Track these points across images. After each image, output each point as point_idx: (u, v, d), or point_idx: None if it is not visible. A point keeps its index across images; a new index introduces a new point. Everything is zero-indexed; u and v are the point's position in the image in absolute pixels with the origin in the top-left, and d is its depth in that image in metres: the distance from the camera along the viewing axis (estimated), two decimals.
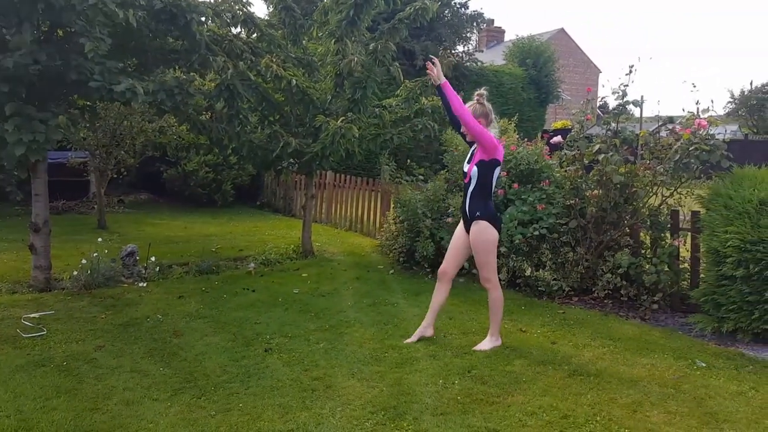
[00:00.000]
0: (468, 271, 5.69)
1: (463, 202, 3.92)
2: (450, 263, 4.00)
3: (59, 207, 9.33)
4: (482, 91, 3.93)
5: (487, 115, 3.83)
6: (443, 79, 3.79)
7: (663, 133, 5.27)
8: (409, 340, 3.99)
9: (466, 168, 3.89)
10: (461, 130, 3.89)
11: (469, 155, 3.97)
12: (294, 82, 5.97)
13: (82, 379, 3.28)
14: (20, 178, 7.61)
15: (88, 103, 5.67)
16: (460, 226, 4.00)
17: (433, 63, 3.81)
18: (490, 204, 3.86)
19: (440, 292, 4.03)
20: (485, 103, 3.86)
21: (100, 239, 5.82)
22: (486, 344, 3.92)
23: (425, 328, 4.04)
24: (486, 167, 3.77)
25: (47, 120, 4.27)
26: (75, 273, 5.16)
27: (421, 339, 3.99)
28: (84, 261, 5.21)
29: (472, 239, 3.83)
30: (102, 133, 7.85)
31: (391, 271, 6.18)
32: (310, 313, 4.61)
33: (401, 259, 6.34)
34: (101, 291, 5.03)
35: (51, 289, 5.02)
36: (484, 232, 3.79)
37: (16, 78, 4.17)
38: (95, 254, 5.25)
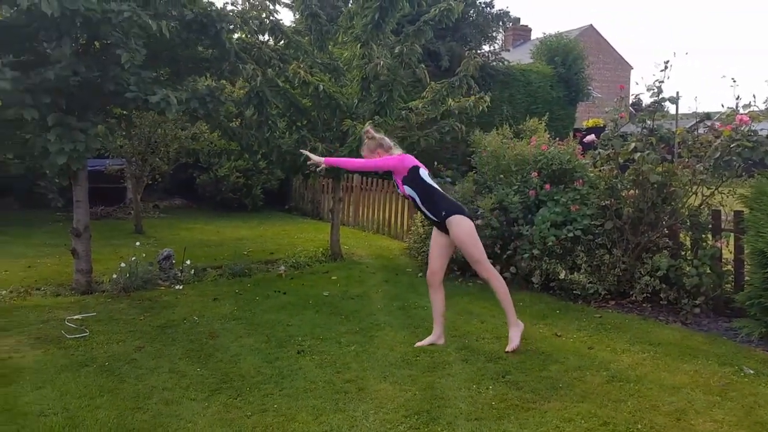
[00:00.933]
0: (500, 274, 5.62)
1: (424, 215, 4.02)
2: (436, 264, 4.04)
3: (98, 213, 9.63)
4: (366, 127, 4.22)
5: (381, 144, 4.02)
6: (322, 160, 4.04)
7: (701, 130, 5.11)
8: (420, 343, 3.98)
9: (401, 191, 4.02)
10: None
11: (394, 181, 4.07)
12: (321, 87, 6.03)
13: (123, 378, 3.38)
14: (61, 185, 7.90)
15: (125, 112, 5.84)
16: (435, 230, 4.05)
17: (308, 157, 4.12)
18: (446, 198, 3.95)
19: (436, 298, 4.03)
20: (374, 135, 4.05)
21: (137, 243, 6.00)
22: (514, 337, 3.88)
23: (437, 336, 4.02)
24: (411, 179, 3.90)
25: (87, 129, 4.42)
26: (114, 276, 5.32)
27: (433, 345, 3.97)
28: (123, 265, 5.37)
29: (453, 237, 3.87)
30: (137, 140, 8.08)
31: (420, 274, 6.15)
32: (340, 316, 4.64)
33: None
34: (139, 293, 5.18)
35: (92, 292, 5.20)
36: (460, 224, 3.84)
37: (57, 89, 4.33)
38: (133, 258, 5.40)
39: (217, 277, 5.88)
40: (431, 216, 3.92)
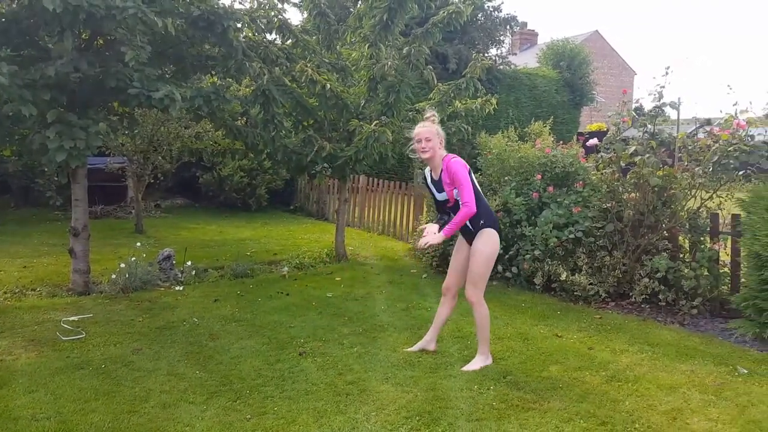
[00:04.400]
0: (501, 275, 5.61)
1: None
2: (452, 279, 3.80)
3: (98, 212, 9.60)
4: (430, 112, 3.75)
5: (442, 138, 3.63)
6: (441, 238, 3.53)
7: (701, 135, 5.13)
8: (410, 349, 3.87)
9: (442, 197, 3.63)
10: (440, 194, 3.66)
11: (431, 186, 3.72)
12: (328, 86, 6.01)
13: (119, 381, 3.33)
14: (60, 183, 7.86)
15: (127, 110, 5.81)
16: (460, 241, 3.78)
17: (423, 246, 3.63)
18: (487, 207, 3.65)
19: (445, 307, 3.85)
20: (438, 131, 3.62)
21: (138, 243, 5.94)
22: (476, 363, 3.62)
23: (428, 342, 3.87)
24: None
25: (87, 127, 4.37)
26: (113, 277, 5.27)
27: (423, 351, 3.84)
28: (122, 265, 5.31)
29: (475, 246, 3.57)
30: (140, 139, 8.04)
31: (425, 276, 6.12)
32: (343, 317, 4.60)
33: (434, 263, 6.28)
34: (138, 294, 5.13)
35: (90, 293, 5.14)
36: (489, 242, 3.57)
37: (58, 86, 4.28)
38: (133, 258, 5.36)
39: (218, 278, 5.84)
40: (468, 225, 3.58)
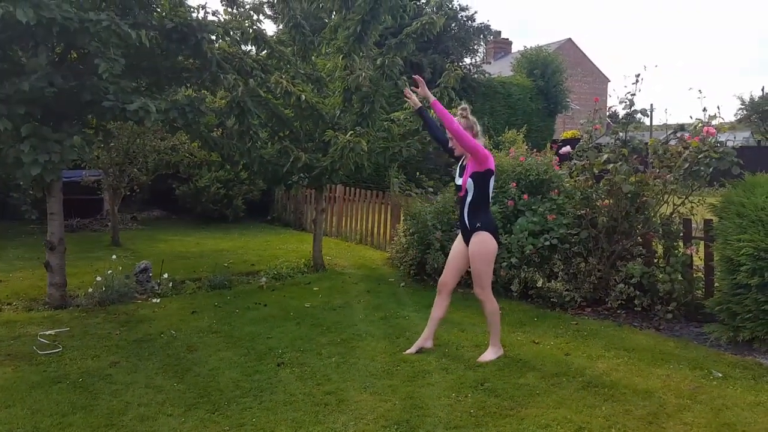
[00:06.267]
0: None
1: (461, 215, 3.91)
2: (449, 275, 4.01)
3: (73, 225, 9.46)
4: (464, 104, 3.96)
5: (472, 128, 3.83)
6: (431, 97, 3.83)
7: (673, 142, 5.24)
8: (408, 351, 3.99)
9: (459, 181, 3.88)
10: (449, 146, 3.92)
11: (458, 169, 3.97)
12: (303, 97, 6.05)
13: (97, 395, 3.31)
14: (35, 197, 7.75)
15: (102, 123, 5.77)
16: (459, 238, 4.01)
17: (417, 86, 3.87)
18: (489, 214, 3.89)
19: (440, 305, 4.04)
20: (469, 116, 3.86)
21: (114, 256, 5.89)
22: (489, 354, 3.90)
23: (425, 339, 4.04)
24: (481, 178, 3.78)
25: (62, 140, 4.35)
26: (90, 290, 5.22)
27: (421, 350, 3.99)
28: (98, 278, 5.27)
29: (471, 249, 3.83)
30: (115, 151, 7.97)
31: (402, 284, 6.17)
32: (321, 327, 4.62)
33: (412, 271, 6.33)
34: (115, 307, 5.08)
35: (66, 306, 5.08)
36: (485, 243, 3.80)
37: (32, 100, 4.26)
38: (109, 271, 5.31)
39: (196, 289, 5.81)
40: (466, 221, 3.84)
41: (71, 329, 4.46)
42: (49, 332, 4.34)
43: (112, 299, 5.19)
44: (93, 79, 4.48)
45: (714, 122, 4.81)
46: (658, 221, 5.10)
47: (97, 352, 3.98)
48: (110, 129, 6.22)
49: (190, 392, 3.36)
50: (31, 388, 3.39)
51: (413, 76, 4.04)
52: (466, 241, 3.89)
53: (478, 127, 3.89)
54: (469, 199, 3.82)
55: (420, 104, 3.95)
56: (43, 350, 3.97)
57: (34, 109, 4.33)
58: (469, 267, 3.93)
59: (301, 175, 6.59)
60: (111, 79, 4.40)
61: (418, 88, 3.99)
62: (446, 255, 5.82)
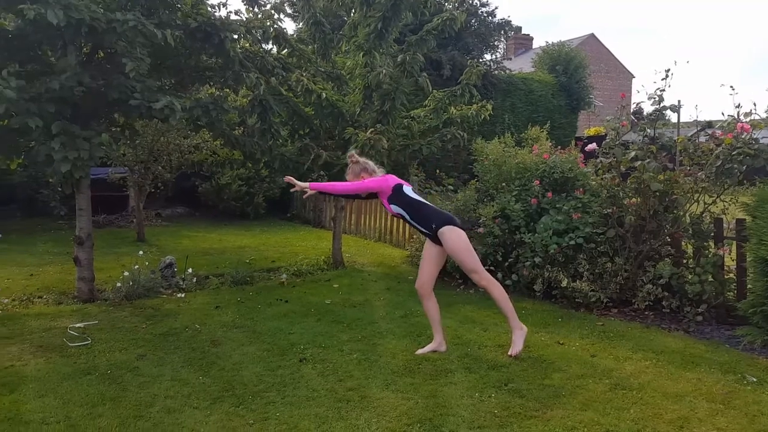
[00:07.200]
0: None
1: (416, 229, 4.04)
2: (423, 277, 4.05)
3: (100, 221, 9.66)
4: (351, 151, 4.33)
5: (365, 168, 4.08)
6: (307, 185, 4.06)
7: (702, 139, 5.11)
8: (421, 351, 3.98)
9: (390, 211, 4.04)
10: (358, 194, 4.12)
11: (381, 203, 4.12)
12: (324, 95, 6.06)
13: (125, 387, 3.38)
14: (64, 193, 7.94)
15: (129, 121, 5.88)
16: (428, 241, 4.05)
17: (293, 185, 4.07)
18: (431, 208, 3.97)
19: (429, 307, 4.04)
20: (358, 159, 4.13)
21: (140, 252, 6.00)
22: (517, 341, 3.88)
23: (438, 344, 4.02)
24: (396, 197, 3.93)
25: (91, 138, 4.45)
26: (117, 284, 5.32)
27: (435, 352, 3.98)
28: (125, 273, 5.37)
29: (447, 247, 3.88)
30: (141, 149, 8.11)
31: None
32: (342, 324, 4.63)
33: None
34: (142, 302, 5.18)
35: (94, 300, 5.20)
36: (452, 235, 3.84)
37: (62, 99, 4.36)
38: (136, 266, 5.41)
39: (219, 285, 5.88)
40: (423, 229, 3.95)
41: (99, 322, 4.56)
42: (78, 325, 4.43)
43: (138, 294, 5.29)
44: (120, 78, 4.57)
45: (749, 119, 4.65)
46: (688, 220, 4.96)
47: (125, 345, 4.06)
48: (136, 127, 6.32)
49: (215, 386, 3.40)
50: (62, 379, 3.47)
51: (284, 178, 4.26)
52: (436, 242, 3.95)
53: (370, 163, 4.15)
54: (407, 216, 3.95)
55: (308, 186, 4.06)
56: (73, 342, 4.06)
57: (63, 107, 4.44)
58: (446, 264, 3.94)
59: (321, 172, 6.60)
60: (137, 77, 4.48)
61: (294, 186, 4.08)
62: None
